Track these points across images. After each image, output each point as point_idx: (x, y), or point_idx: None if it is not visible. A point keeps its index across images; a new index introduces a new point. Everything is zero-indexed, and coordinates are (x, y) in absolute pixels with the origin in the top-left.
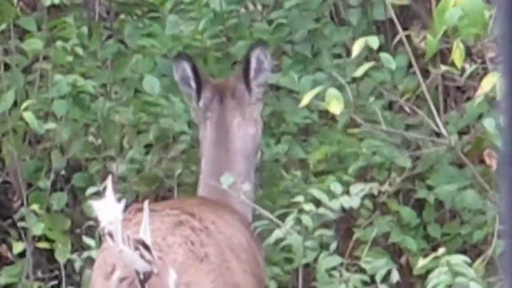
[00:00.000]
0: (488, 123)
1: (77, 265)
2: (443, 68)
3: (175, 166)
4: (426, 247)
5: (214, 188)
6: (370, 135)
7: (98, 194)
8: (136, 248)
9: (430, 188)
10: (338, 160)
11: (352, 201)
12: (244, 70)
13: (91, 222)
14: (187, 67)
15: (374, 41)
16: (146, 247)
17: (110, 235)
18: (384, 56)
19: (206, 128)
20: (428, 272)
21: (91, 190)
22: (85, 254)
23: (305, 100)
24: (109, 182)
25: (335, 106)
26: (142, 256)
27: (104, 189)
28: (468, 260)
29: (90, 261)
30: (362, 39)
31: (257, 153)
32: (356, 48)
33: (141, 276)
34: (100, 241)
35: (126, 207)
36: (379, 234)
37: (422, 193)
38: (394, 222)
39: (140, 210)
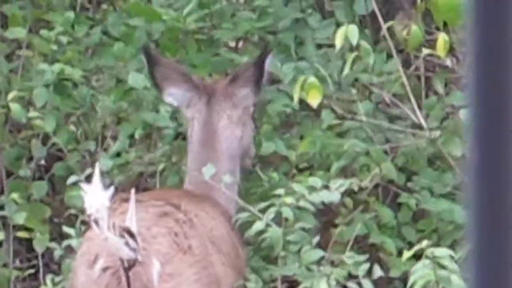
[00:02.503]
0: (463, 114)
1: (57, 253)
2: (425, 51)
3: (158, 160)
4: (403, 246)
5: (198, 183)
6: (352, 132)
7: (78, 184)
8: (122, 236)
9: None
10: (320, 157)
11: (332, 196)
12: (254, 75)
13: (71, 211)
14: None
15: (353, 32)
16: (132, 235)
17: (96, 222)
18: (365, 47)
19: (193, 127)
20: (406, 272)
21: (72, 179)
22: (65, 242)
23: (295, 97)
24: (96, 169)
25: (314, 97)
26: (127, 244)
27: (90, 176)
28: (453, 254)
29: (69, 250)
30: (342, 28)
31: (244, 155)
32: (339, 39)
33: (126, 264)
34: (80, 230)
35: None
36: (359, 234)
37: (404, 198)
38: (373, 220)
39: (126, 200)
